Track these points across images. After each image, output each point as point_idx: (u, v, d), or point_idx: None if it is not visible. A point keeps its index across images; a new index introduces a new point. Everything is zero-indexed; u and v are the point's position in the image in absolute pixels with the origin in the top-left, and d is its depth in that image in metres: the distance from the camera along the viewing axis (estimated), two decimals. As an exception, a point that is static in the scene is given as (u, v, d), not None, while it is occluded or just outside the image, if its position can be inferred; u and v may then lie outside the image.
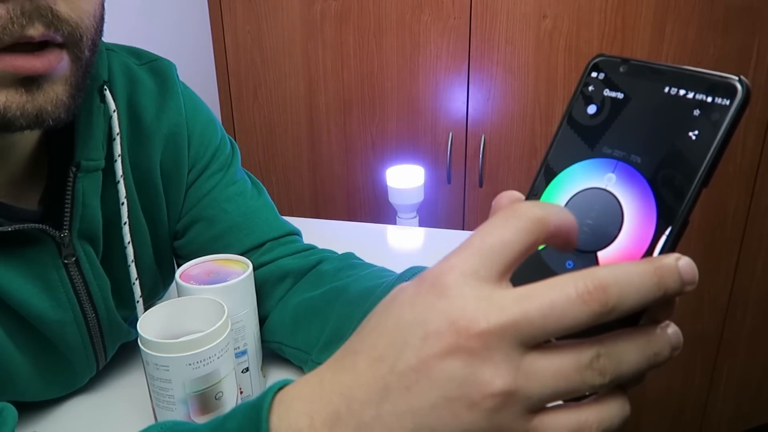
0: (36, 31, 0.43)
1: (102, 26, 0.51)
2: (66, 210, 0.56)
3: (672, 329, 0.27)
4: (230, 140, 0.75)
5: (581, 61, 1.44)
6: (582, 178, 0.29)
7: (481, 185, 1.59)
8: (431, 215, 1.65)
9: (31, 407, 0.63)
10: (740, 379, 1.66)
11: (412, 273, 0.61)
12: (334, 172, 1.68)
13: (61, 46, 0.46)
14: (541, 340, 0.25)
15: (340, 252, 0.73)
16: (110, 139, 0.60)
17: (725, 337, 1.62)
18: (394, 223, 1.52)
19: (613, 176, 0.28)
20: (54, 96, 0.46)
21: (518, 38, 1.45)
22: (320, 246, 0.75)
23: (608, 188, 0.28)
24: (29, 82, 0.45)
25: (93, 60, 0.51)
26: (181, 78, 0.70)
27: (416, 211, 1.44)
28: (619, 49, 1.41)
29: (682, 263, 0.26)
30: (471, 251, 0.26)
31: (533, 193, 0.31)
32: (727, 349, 1.63)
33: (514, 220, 0.26)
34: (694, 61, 1.39)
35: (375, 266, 0.69)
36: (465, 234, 1.09)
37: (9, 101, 0.44)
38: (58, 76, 0.46)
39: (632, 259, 0.27)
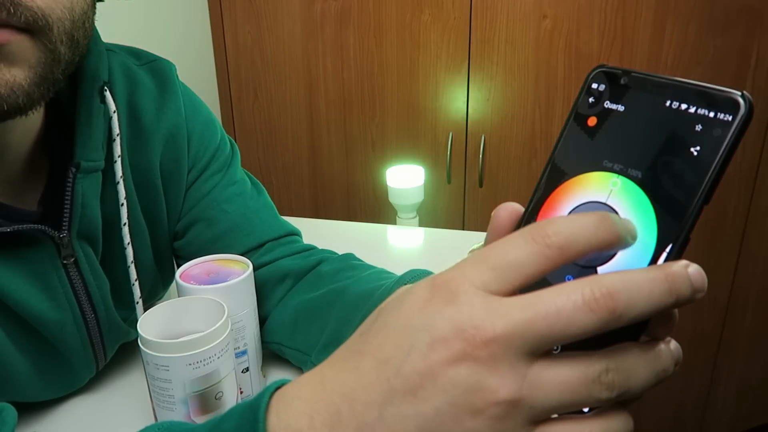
0: None
1: (86, 23, 0.50)
2: (65, 211, 0.56)
3: (674, 344, 0.27)
4: (230, 140, 0.75)
5: (581, 61, 1.44)
6: (582, 192, 0.29)
7: (481, 185, 1.59)
8: (431, 215, 1.65)
9: (31, 407, 0.63)
10: (740, 379, 1.66)
11: (412, 276, 0.61)
12: (334, 172, 1.68)
13: (22, 30, 0.44)
14: (548, 348, 0.25)
15: (340, 252, 0.73)
16: (110, 140, 0.60)
17: (725, 337, 1.62)
18: (394, 223, 1.52)
19: (613, 190, 0.28)
20: (11, 78, 0.44)
21: (518, 38, 1.45)
22: (320, 246, 0.75)
23: (608, 203, 0.28)
24: None
25: (74, 58, 0.49)
26: (181, 78, 0.70)
27: (416, 211, 1.44)
28: (619, 49, 1.41)
29: (692, 270, 0.25)
30: (486, 266, 0.26)
31: (533, 204, 0.30)
32: (727, 349, 1.63)
33: (535, 245, 0.26)
34: (693, 61, 1.39)
35: (374, 268, 0.69)
36: (465, 234, 1.09)
37: None
38: (15, 58, 0.44)
39: None
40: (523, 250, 0.26)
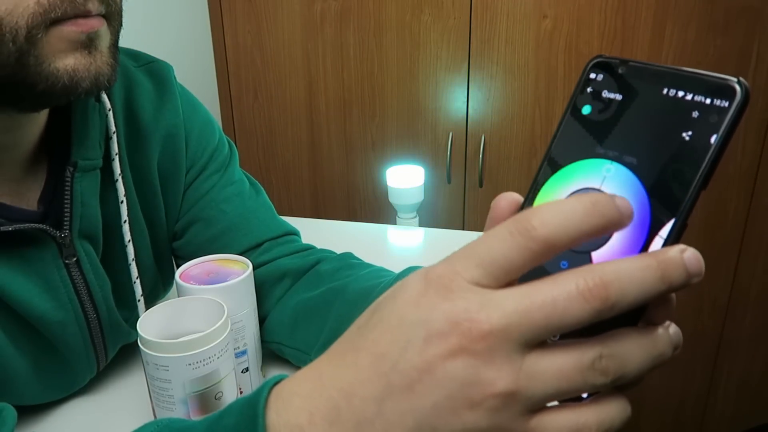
0: (93, 5, 0.47)
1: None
2: (66, 210, 0.56)
3: (673, 329, 0.27)
4: (228, 141, 0.75)
5: (581, 61, 1.44)
6: (577, 179, 0.29)
7: (481, 185, 1.59)
8: (431, 215, 1.65)
9: (31, 408, 0.63)
10: (740, 379, 1.66)
11: (410, 273, 0.61)
12: (334, 172, 1.68)
13: (103, 16, 0.49)
14: (544, 338, 0.25)
15: (339, 252, 0.73)
16: (107, 139, 0.60)
17: (725, 337, 1.62)
18: (394, 223, 1.52)
19: (607, 177, 0.28)
20: (107, 59, 0.50)
21: (518, 38, 1.45)
22: (320, 246, 0.75)
23: (602, 189, 0.28)
24: (89, 44, 0.48)
25: (119, 36, 0.54)
26: (180, 78, 0.70)
27: (416, 211, 1.44)
28: (619, 49, 1.41)
29: (688, 255, 0.25)
30: (475, 262, 0.26)
31: (531, 193, 0.31)
32: (727, 349, 1.63)
33: (521, 238, 0.25)
34: (693, 61, 1.39)
35: (373, 266, 0.69)
36: (465, 234, 1.09)
37: (77, 63, 0.48)
38: (105, 43, 0.50)
39: None
40: (508, 244, 0.26)
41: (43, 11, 0.45)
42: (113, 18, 0.51)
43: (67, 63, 0.47)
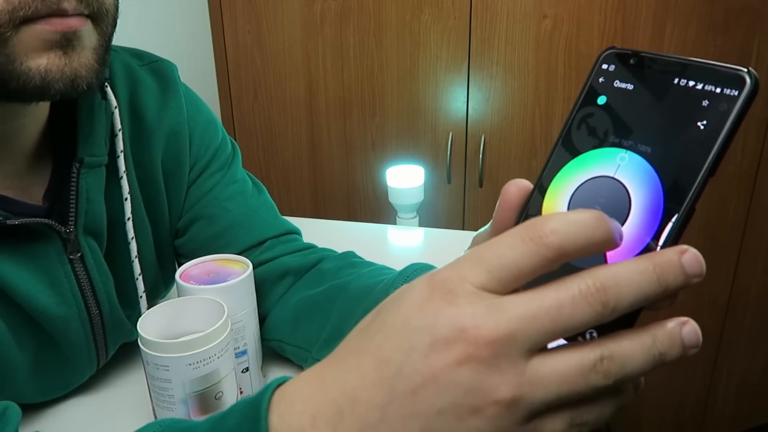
0: (69, 4, 0.46)
1: (118, 6, 0.53)
2: (71, 205, 0.56)
3: (688, 328, 0.26)
4: (231, 141, 0.75)
5: (581, 61, 1.44)
6: (591, 167, 0.29)
7: (481, 185, 1.59)
8: (431, 215, 1.65)
9: (32, 406, 0.63)
10: (740, 379, 1.66)
11: (413, 269, 0.61)
12: (334, 172, 1.68)
13: (87, 17, 0.48)
14: (547, 343, 0.26)
15: (339, 252, 0.73)
16: (113, 136, 0.60)
17: (725, 337, 1.62)
18: (394, 223, 1.52)
19: (621, 165, 0.29)
20: (86, 60, 0.49)
21: (518, 38, 1.45)
22: (320, 246, 0.75)
23: (616, 176, 0.29)
24: (66, 44, 0.47)
25: (112, 38, 0.53)
26: (181, 78, 0.70)
27: (416, 211, 1.44)
28: (619, 49, 1.41)
29: (687, 257, 0.25)
30: (483, 267, 0.26)
31: (541, 181, 0.31)
32: (727, 349, 1.63)
33: (532, 245, 0.25)
34: (694, 61, 1.39)
35: (375, 264, 0.69)
36: (465, 234, 1.09)
37: (50, 64, 0.46)
38: (87, 44, 0.49)
39: (639, 245, 0.27)
40: (519, 250, 0.26)
41: (12, 9, 0.43)
42: (101, 19, 0.49)
43: (40, 63, 0.46)
